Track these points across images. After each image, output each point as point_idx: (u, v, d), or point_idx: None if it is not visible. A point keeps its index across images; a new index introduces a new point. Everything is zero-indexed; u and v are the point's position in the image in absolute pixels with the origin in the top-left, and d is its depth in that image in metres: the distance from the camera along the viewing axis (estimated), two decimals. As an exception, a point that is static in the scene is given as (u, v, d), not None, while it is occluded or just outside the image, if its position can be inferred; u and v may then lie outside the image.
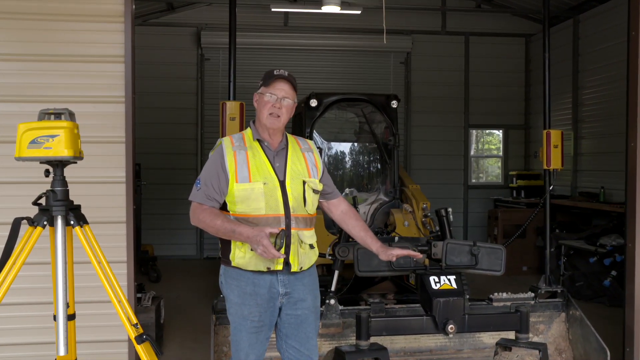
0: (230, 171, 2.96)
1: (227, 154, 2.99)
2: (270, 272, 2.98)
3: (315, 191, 3.07)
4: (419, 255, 3.31)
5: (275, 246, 2.77)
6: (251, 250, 2.90)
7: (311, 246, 3.08)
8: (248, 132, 3.12)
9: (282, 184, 2.98)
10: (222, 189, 2.98)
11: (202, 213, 2.96)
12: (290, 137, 3.17)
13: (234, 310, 3.05)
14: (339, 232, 5.15)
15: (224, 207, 3.02)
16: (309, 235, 3.06)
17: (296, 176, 3.02)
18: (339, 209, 3.28)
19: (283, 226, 2.93)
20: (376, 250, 3.19)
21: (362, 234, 3.24)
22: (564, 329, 4.84)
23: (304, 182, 3.03)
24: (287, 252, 2.96)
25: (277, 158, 3.05)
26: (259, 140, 3.06)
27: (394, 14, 10.26)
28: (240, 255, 2.96)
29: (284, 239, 2.84)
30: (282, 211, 2.95)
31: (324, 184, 3.16)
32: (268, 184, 2.95)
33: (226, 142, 3.05)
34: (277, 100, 3.00)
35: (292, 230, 2.96)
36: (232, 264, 3.00)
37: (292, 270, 2.99)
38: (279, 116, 3.00)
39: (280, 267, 2.96)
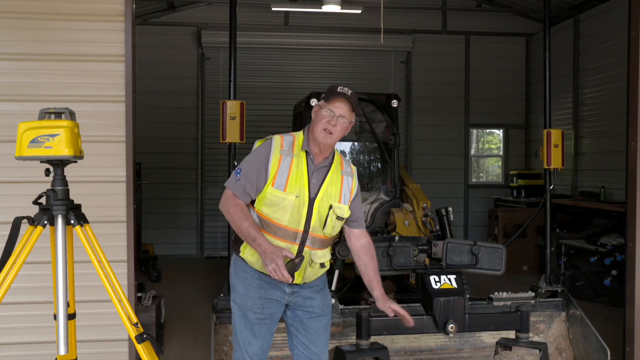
0: (271, 173, 2.92)
1: (273, 155, 2.95)
2: None
3: (339, 218, 3.03)
4: (411, 322, 3.17)
5: (287, 269, 2.74)
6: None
7: (322, 265, 3.06)
8: (300, 138, 3.05)
9: (311, 202, 2.95)
10: (259, 187, 2.95)
11: (233, 207, 2.93)
12: (337, 157, 3.12)
13: (238, 300, 3.06)
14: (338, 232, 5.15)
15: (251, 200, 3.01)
16: (322, 255, 3.05)
17: (327, 198, 2.99)
18: (359, 241, 3.21)
19: (298, 242, 2.94)
20: (376, 296, 3.14)
21: (371, 274, 3.16)
22: (564, 329, 4.85)
23: (331, 207, 2.99)
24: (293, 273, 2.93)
25: (316, 174, 3.00)
26: (306, 152, 3.01)
27: (395, 13, 10.26)
28: (250, 252, 2.98)
29: (298, 267, 2.81)
30: (301, 228, 2.94)
31: (351, 211, 3.10)
32: (299, 198, 2.93)
33: (276, 143, 2.99)
34: (333, 117, 2.94)
35: (306, 249, 2.96)
36: (241, 254, 3.02)
37: (294, 282, 2.98)
38: (331, 133, 2.94)
39: None
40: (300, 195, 2.93)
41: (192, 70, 10.72)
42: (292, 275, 2.83)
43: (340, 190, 3.04)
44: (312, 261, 2.99)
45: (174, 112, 10.53)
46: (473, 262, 3.98)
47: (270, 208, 2.93)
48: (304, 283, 3.04)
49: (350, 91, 2.99)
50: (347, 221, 3.14)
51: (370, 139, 7.48)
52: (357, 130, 7.75)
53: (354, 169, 3.18)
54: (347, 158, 3.29)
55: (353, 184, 3.11)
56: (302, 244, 2.95)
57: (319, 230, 2.98)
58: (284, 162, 2.94)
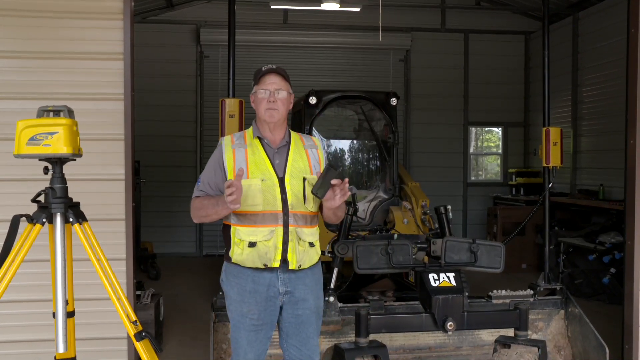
0: (228, 168, 2.99)
1: (225, 152, 3.03)
2: (269, 270, 2.97)
3: None
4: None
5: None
6: (249, 246, 2.92)
7: (311, 244, 3.04)
8: (249, 130, 3.13)
9: (282, 181, 2.98)
10: (218, 186, 3.02)
11: (193, 203, 3.07)
12: (294, 134, 3.17)
13: (233, 307, 3.05)
14: (338, 230, 5.15)
15: None
16: (309, 233, 3.03)
17: (297, 173, 3.01)
18: None
19: (281, 222, 2.94)
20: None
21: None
22: (563, 327, 4.85)
23: (305, 179, 3.01)
24: (285, 249, 2.95)
25: (278, 155, 3.04)
26: (259, 138, 3.07)
27: (394, 11, 10.25)
28: (238, 251, 2.97)
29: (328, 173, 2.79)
30: (279, 208, 2.94)
31: None
32: (266, 181, 2.95)
33: (226, 141, 3.09)
34: (271, 94, 3.00)
35: (290, 227, 2.95)
36: (232, 260, 3.01)
37: (290, 267, 2.98)
38: (276, 109, 3.00)
39: (277, 264, 2.95)
40: (267, 178, 2.96)
41: (191, 68, 10.71)
42: (286, 252, 2.91)
43: (309, 163, 3.07)
44: (299, 239, 2.98)
45: (173, 110, 10.53)
46: (472, 260, 3.97)
47: (242, 199, 2.93)
48: (299, 268, 3.00)
49: (275, 65, 3.06)
50: None
51: (369, 137, 7.49)
52: (356, 128, 7.76)
53: (317, 140, 3.23)
54: (306, 135, 3.28)
55: (319, 155, 3.14)
56: (285, 224, 2.94)
57: (299, 207, 2.98)
58: (238, 155, 3.01)
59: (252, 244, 2.92)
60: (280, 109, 3.01)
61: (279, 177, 2.98)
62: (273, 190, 2.95)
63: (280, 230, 2.93)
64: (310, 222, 3.05)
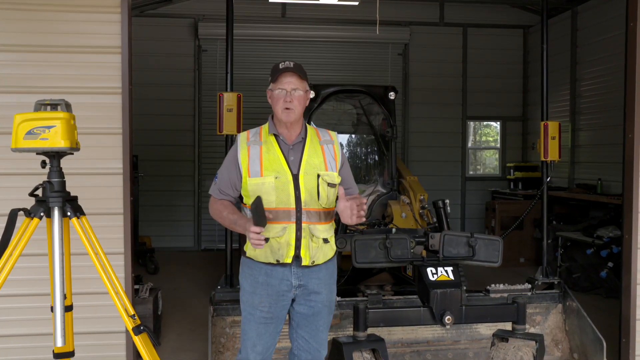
0: (243, 166, 3.00)
1: (240, 149, 3.03)
2: (282, 264, 2.99)
3: (330, 185, 3.03)
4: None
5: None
6: None
7: (325, 240, 3.05)
8: (265, 126, 3.13)
9: (295, 178, 2.97)
10: (234, 184, 3.04)
11: (214, 205, 3.09)
12: (311, 129, 3.16)
13: (245, 298, 3.08)
14: (336, 223, 5.16)
15: (241, 199, 3.09)
16: (323, 230, 3.04)
17: (311, 170, 3.01)
18: None
19: (294, 219, 2.94)
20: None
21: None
22: (560, 320, 4.86)
23: (319, 176, 3.00)
24: (297, 246, 2.96)
25: (293, 152, 3.04)
26: (274, 135, 3.06)
27: (392, 5, 10.22)
28: (251, 247, 2.99)
29: (258, 207, 2.81)
30: (293, 205, 2.95)
31: (341, 177, 3.11)
32: (280, 178, 2.95)
33: (242, 137, 3.09)
34: (287, 94, 2.99)
35: (304, 224, 2.96)
36: (247, 254, 3.06)
37: (303, 264, 2.99)
38: (292, 109, 2.99)
39: (289, 260, 2.97)
40: (281, 175, 2.96)
41: (189, 62, 10.68)
42: (299, 250, 2.95)
43: (324, 160, 3.07)
44: (313, 236, 2.99)
45: (170, 105, 10.50)
46: (470, 254, 3.98)
47: (255, 196, 2.94)
48: (313, 264, 3.01)
49: (292, 63, 3.05)
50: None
51: (367, 131, 7.48)
52: (355, 122, 7.76)
53: (333, 134, 3.21)
54: (323, 130, 3.27)
55: (335, 150, 3.13)
56: (298, 221, 2.95)
57: (313, 204, 2.98)
58: (252, 152, 3.01)
59: (265, 240, 2.92)
60: (296, 108, 3.01)
61: (293, 174, 2.98)
62: (287, 187, 2.95)
63: (292, 227, 2.95)
64: (324, 219, 3.05)
